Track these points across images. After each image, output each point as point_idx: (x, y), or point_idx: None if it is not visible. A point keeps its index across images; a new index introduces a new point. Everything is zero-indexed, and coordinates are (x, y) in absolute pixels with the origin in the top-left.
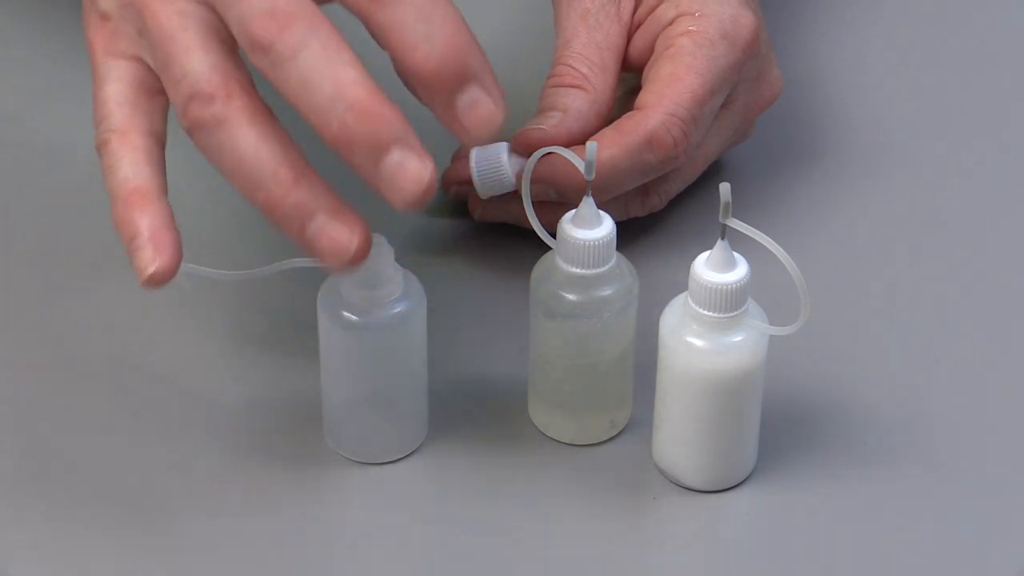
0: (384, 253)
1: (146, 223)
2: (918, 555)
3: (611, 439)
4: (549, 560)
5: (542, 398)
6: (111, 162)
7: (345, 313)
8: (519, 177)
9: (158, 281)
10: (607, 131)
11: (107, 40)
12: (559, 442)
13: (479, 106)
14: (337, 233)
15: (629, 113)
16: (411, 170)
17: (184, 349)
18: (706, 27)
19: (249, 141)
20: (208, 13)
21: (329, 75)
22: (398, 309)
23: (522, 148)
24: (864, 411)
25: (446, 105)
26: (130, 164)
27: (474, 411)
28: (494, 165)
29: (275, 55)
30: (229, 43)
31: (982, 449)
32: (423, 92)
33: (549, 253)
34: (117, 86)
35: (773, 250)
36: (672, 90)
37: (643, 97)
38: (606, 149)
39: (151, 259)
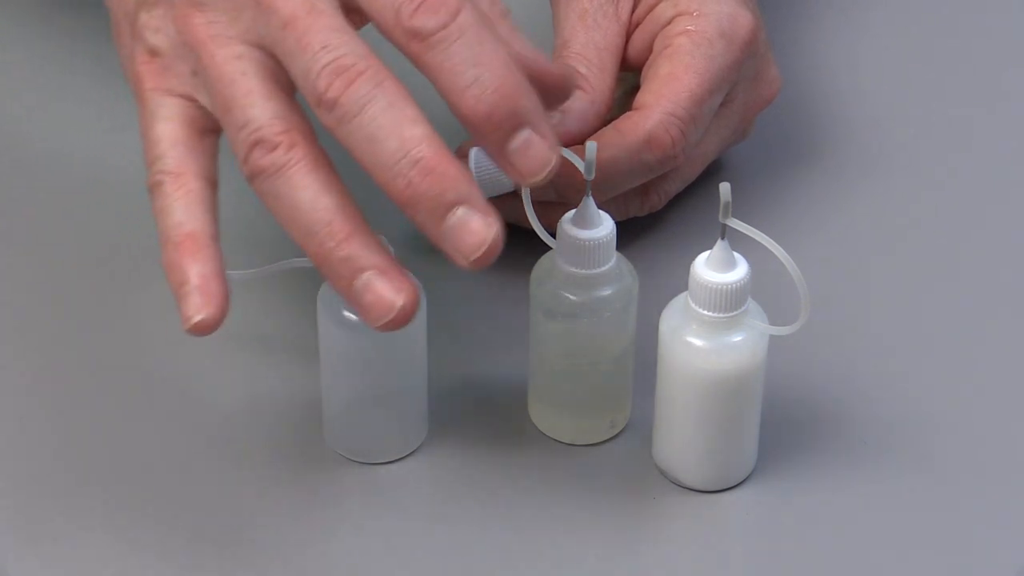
0: None
1: (196, 270)
2: (918, 555)
3: (611, 439)
4: (549, 560)
5: (542, 398)
6: (164, 204)
7: (345, 313)
8: None
9: (203, 330)
10: (606, 131)
11: (157, 76)
12: (559, 442)
13: (531, 149)
14: (383, 291)
15: (628, 113)
16: (474, 229)
17: (184, 349)
18: (704, 26)
19: (308, 191)
20: (266, 57)
21: (395, 132)
22: None
23: None
24: (864, 411)
25: (499, 148)
26: (183, 208)
27: (474, 411)
28: (493, 166)
29: (341, 111)
30: (288, 89)
31: (982, 449)
32: (475, 134)
33: (549, 253)
34: (170, 125)
35: (773, 250)
36: (670, 90)
37: (641, 97)
38: (605, 149)
39: (198, 308)
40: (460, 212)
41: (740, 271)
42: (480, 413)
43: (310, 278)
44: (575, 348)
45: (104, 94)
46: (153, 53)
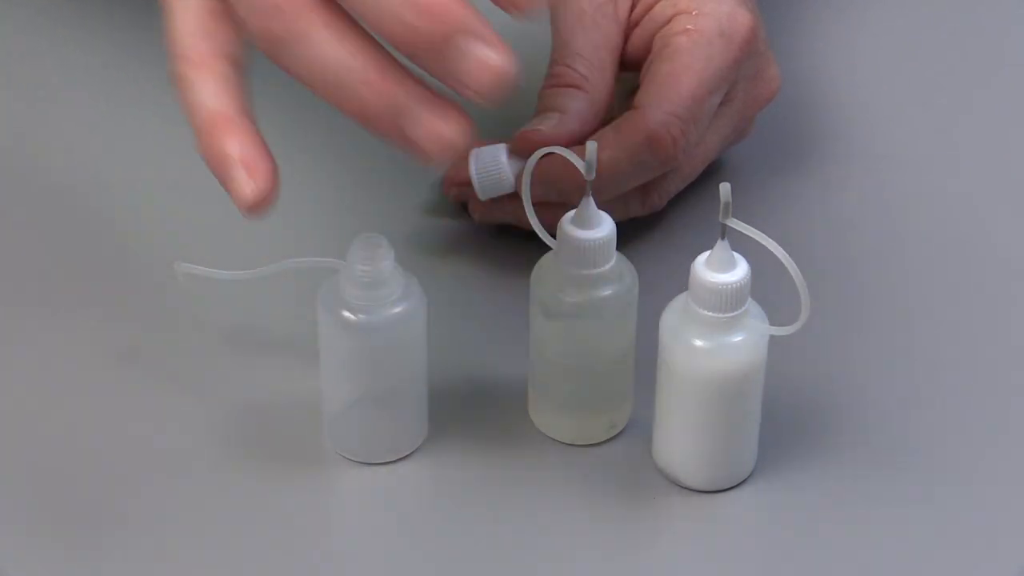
0: (384, 254)
1: (236, 148)
2: (918, 555)
3: (611, 439)
4: (549, 560)
5: (542, 398)
6: (186, 93)
7: (345, 313)
8: (518, 178)
9: (259, 207)
10: (606, 131)
11: None
12: (559, 442)
13: (482, 61)
14: (434, 124)
15: (627, 113)
16: (485, 61)
17: (184, 349)
18: (703, 26)
19: (332, 44)
20: None
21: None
22: (398, 309)
23: (521, 149)
24: (864, 411)
25: (441, 68)
26: (208, 92)
27: (474, 411)
28: (493, 167)
29: None
30: None
31: (982, 450)
32: (413, 58)
33: (549, 253)
34: (187, 15)
35: (773, 250)
36: (670, 89)
37: (641, 97)
38: (605, 150)
39: (246, 183)
40: (467, 46)
41: (740, 271)
42: (480, 413)
43: (310, 278)
44: (575, 348)
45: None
46: None
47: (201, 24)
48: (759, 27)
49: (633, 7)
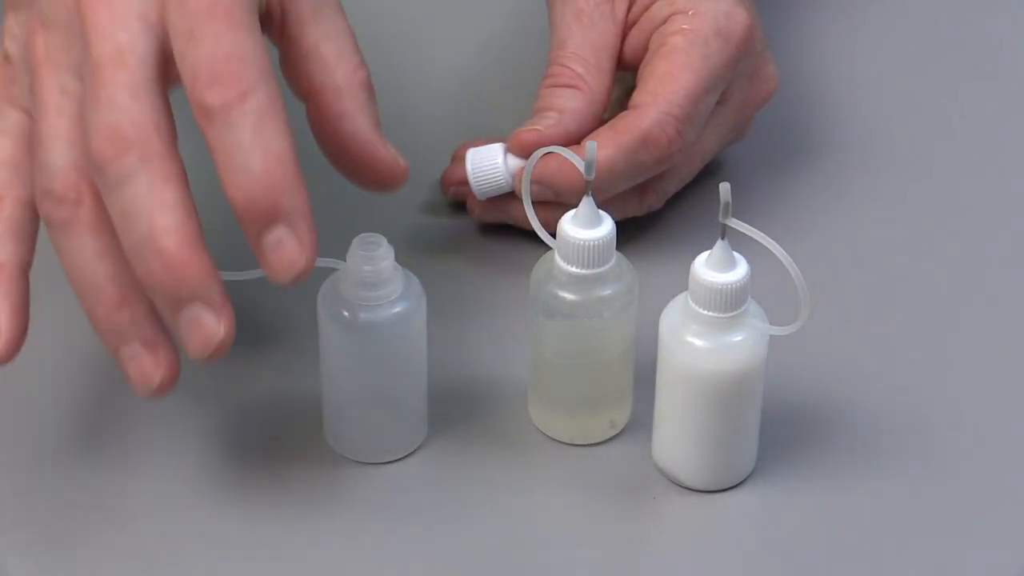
0: (384, 253)
1: None
2: (918, 555)
3: (611, 439)
4: (549, 560)
5: (542, 398)
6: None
7: (345, 313)
8: (516, 178)
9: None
10: (603, 131)
11: (5, 84)
12: (559, 442)
13: (284, 249)
14: (144, 364)
15: (624, 112)
16: (205, 326)
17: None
18: (700, 25)
19: (87, 252)
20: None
21: (147, 216)
22: (398, 309)
23: (518, 149)
24: (864, 411)
25: (254, 240)
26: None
27: (474, 411)
28: (490, 167)
29: (104, 180)
30: None
31: (982, 449)
32: (238, 222)
33: (549, 253)
34: (3, 141)
35: (773, 250)
36: (666, 88)
37: (637, 96)
38: (602, 149)
39: None
40: (194, 309)
41: (740, 271)
42: (480, 413)
43: (310, 278)
44: (575, 348)
45: None
46: (6, 59)
47: (14, 156)
48: (756, 26)
49: (630, 6)
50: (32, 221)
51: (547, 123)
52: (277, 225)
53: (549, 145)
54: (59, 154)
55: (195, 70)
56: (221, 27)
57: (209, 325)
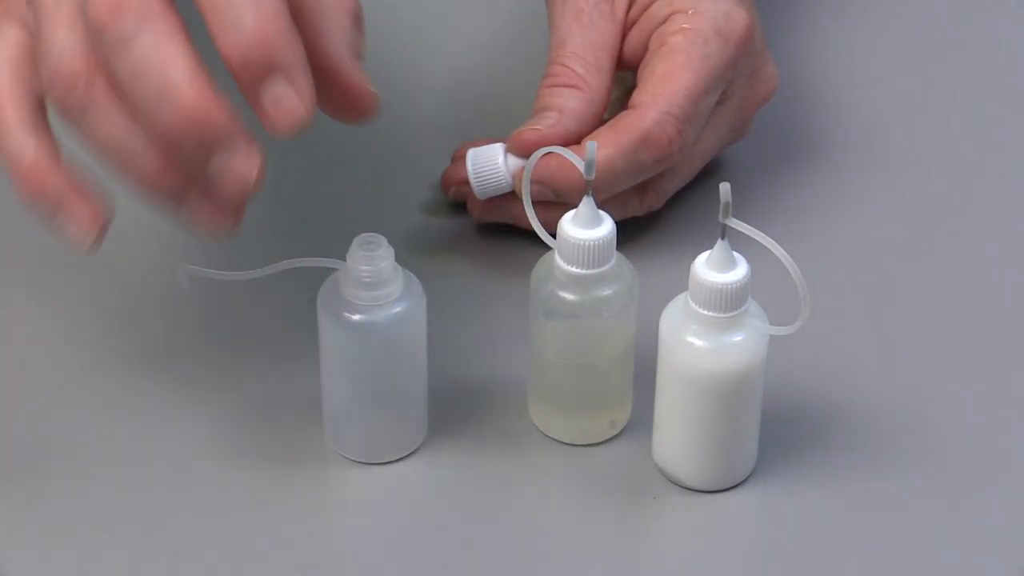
0: (384, 254)
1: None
2: (918, 555)
3: (611, 439)
4: (549, 560)
5: (542, 398)
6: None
7: (345, 313)
8: (516, 178)
9: (92, 244)
10: (602, 130)
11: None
12: (559, 442)
13: (283, 101)
14: (210, 209)
15: (623, 112)
16: (237, 170)
17: (184, 349)
18: (699, 24)
19: (117, 127)
20: None
21: (157, 71)
22: (398, 309)
23: (518, 149)
24: (864, 411)
25: (252, 97)
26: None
27: (474, 411)
28: (490, 167)
29: (109, 43)
30: None
31: (982, 449)
32: (235, 80)
33: (549, 253)
34: (2, 54)
35: (773, 250)
36: (666, 88)
37: (637, 96)
38: (602, 148)
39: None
40: (221, 157)
41: (740, 271)
42: (480, 413)
43: (310, 278)
44: (575, 348)
45: None
46: None
47: (12, 64)
48: (756, 26)
49: (630, 6)
50: (43, 115)
51: (547, 123)
52: (275, 78)
53: (549, 145)
54: (61, 38)
55: None
56: None
57: (240, 167)
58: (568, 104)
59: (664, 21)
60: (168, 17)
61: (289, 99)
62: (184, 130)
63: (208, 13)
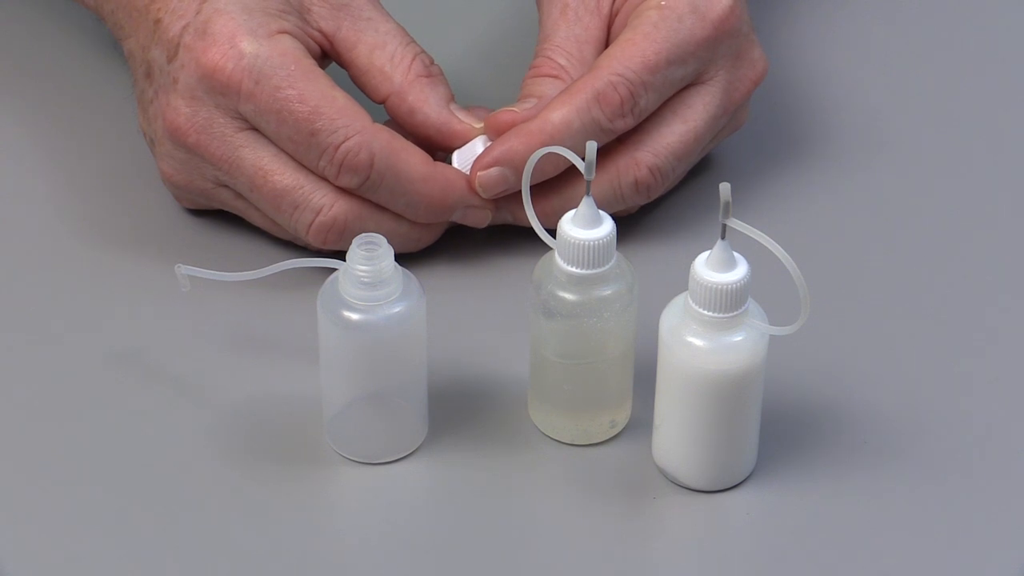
0: (384, 253)
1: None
2: (918, 555)
3: (611, 439)
4: (549, 560)
5: (542, 398)
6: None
7: (345, 313)
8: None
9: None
10: (560, 93)
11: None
12: (559, 442)
13: (467, 218)
14: (480, 212)
15: (581, 75)
16: (477, 216)
17: (184, 349)
18: (676, 3)
19: (383, 224)
20: None
21: (406, 190)
22: (398, 309)
23: (493, 130)
24: (864, 411)
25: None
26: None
27: (474, 411)
28: (473, 158)
29: (362, 189)
30: None
31: (982, 449)
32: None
33: (549, 253)
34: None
35: (773, 250)
36: (623, 52)
37: (598, 60)
38: (557, 109)
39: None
40: (460, 214)
41: (740, 271)
42: (480, 413)
43: (310, 278)
44: (575, 348)
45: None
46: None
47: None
48: (739, 8)
49: (614, 0)
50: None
51: (525, 107)
52: (453, 210)
53: (523, 125)
54: (318, 199)
55: (320, 166)
56: None
57: (479, 218)
58: (548, 91)
59: (643, 1)
60: (394, 142)
61: (474, 215)
62: (437, 217)
63: (382, 206)
